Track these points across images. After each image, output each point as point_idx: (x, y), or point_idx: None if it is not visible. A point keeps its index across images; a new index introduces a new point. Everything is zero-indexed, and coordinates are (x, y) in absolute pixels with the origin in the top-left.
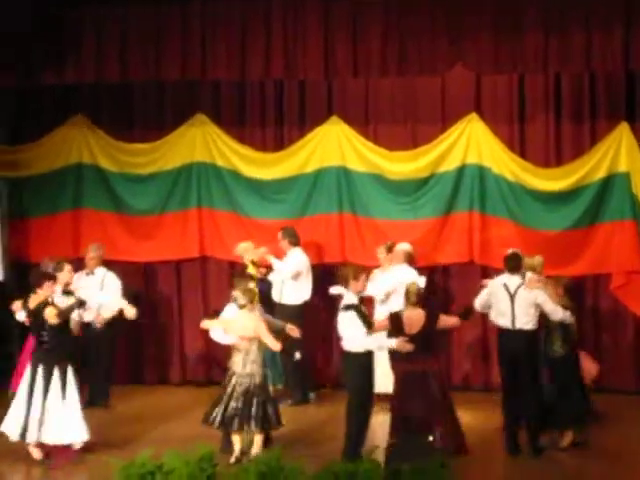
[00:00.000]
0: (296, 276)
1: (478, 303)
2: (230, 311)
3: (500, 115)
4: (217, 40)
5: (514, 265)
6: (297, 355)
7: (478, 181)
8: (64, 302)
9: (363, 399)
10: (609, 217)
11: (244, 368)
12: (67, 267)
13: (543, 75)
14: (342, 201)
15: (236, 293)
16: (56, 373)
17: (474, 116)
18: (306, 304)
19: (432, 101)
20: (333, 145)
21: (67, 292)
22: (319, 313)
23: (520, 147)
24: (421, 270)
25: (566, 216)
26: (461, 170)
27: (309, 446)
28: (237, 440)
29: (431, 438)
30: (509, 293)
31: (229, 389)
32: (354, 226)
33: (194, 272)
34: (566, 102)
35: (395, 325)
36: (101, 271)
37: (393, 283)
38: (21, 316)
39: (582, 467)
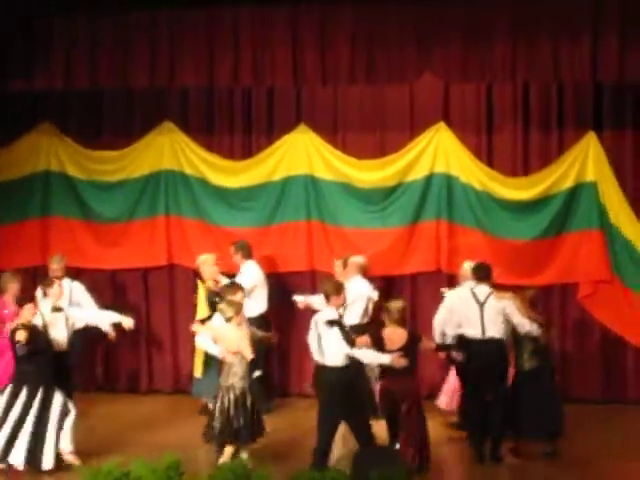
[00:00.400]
0: (251, 291)
1: (439, 321)
2: (218, 320)
3: (468, 124)
4: (185, 47)
5: (483, 275)
6: (257, 372)
7: (446, 190)
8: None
9: (335, 412)
10: (576, 226)
11: (226, 381)
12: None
13: (511, 84)
14: (310, 209)
15: (222, 306)
16: (39, 395)
17: (442, 125)
18: (263, 315)
19: (400, 109)
20: (301, 153)
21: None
22: (282, 322)
23: (488, 156)
24: (388, 279)
25: (533, 225)
26: (429, 179)
27: (275, 454)
28: (228, 451)
29: (397, 446)
30: (478, 302)
31: (218, 402)
32: (322, 234)
33: (161, 280)
34: (534, 111)
35: (376, 342)
36: (66, 282)
37: (348, 296)
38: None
39: (550, 477)
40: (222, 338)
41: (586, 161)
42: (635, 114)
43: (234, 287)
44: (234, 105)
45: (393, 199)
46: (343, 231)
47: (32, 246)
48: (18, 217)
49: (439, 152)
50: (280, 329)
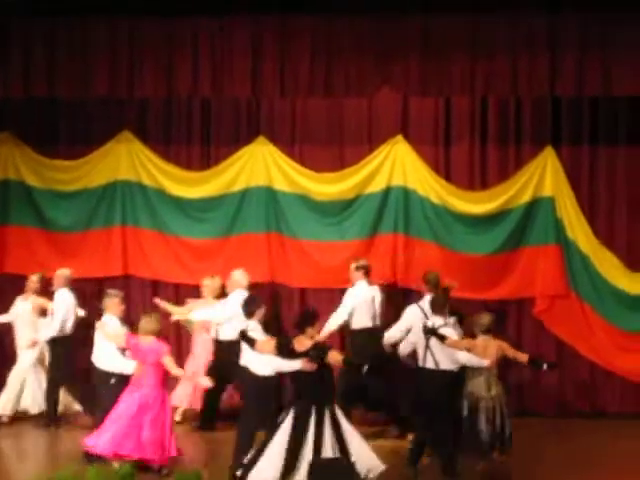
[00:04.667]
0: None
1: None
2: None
3: (426, 137)
4: (144, 57)
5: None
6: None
7: (403, 203)
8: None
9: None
10: (533, 241)
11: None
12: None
13: (469, 98)
14: (269, 221)
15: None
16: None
17: (400, 138)
18: None
19: (359, 122)
20: (259, 165)
21: None
22: None
23: (445, 170)
24: (344, 291)
25: (491, 239)
26: (386, 192)
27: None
28: None
29: (353, 459)
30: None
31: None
32: (280, 246)
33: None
34: (492, 125)
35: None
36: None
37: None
38: None
39: None
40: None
41: (544, 176)
42: (592, 129)
43: None
44: (193, 116)
45: (351, 212)
46: (301, 243)
47: None
48: None
49: (397, 165)
50: None
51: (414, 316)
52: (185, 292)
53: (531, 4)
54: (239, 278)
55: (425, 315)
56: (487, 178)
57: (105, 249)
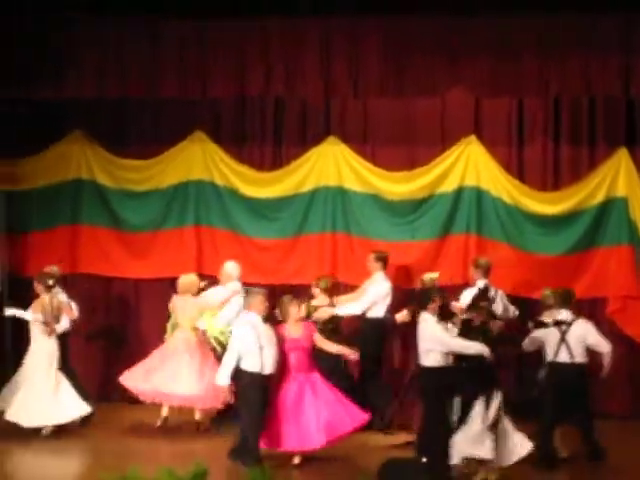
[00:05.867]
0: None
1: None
2: None
3: (499, 138)
4: (216, 58)
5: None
6: None
7: (475, 203)
8: None
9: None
10: (606, 242)
11: None
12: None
13: (542, 98)
14: (336, 221)
15: None
16: None
17: (473, 138)
18: None
19: (431, 122)
20: (330, 165)
21: None
22: None
23: (518, 170)
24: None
25: (563, 240)
26: (459, 192)
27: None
28: None
29: (424, 459)
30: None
31: None
32: (348, 246)
33: None
34: (565, 126)
35: None
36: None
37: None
38: None
39: None
40: None
41: (617, 177)
42: None
43: None
44: (265, 116)
45: (422, 212)
46: (370, 243)
47: (61, 254)
48: (48, 224)
49: (469, 165)
50: None
51: None
52: None
53: (604, 4)
54: (231, 270)
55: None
56: (560, 179)
57: (178, 249)
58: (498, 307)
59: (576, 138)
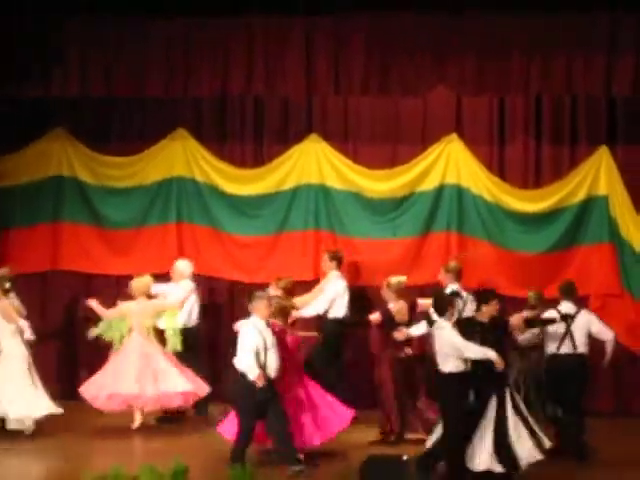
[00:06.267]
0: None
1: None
2: None
3: (480, 136)
4: (199, 57)
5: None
6: None
7: (456, 201)
8: None
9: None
10: (588, 240)
11: None
12: None
13: (524, 97)
14: (319, 219)
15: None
16: None
17: (454, 136)
18: None
19: (413, 121)
20: (312, 163)
21: None
22: None
23: (499, 168)
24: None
25: (544, 238)
26: (440, 190)
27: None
28: None
29: (405, 457)
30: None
31: None
32: (331, 244)
33: None
34: (546, 124)
35: None
36: None
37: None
38: None
39: None
40: None
41: (598, 175)
42: None
43: None
44: (246, 114)
45: (403, 210)
46: (352, 241)
47: (42, 251)
48: (29, 222)
49: (450, 163)
50: None
51: None
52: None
53: (588, 3)
54: (183, 268)
55: None
56: (541, 177)
57: (160, 246)
58: (468, 311)
59: (557, 136)
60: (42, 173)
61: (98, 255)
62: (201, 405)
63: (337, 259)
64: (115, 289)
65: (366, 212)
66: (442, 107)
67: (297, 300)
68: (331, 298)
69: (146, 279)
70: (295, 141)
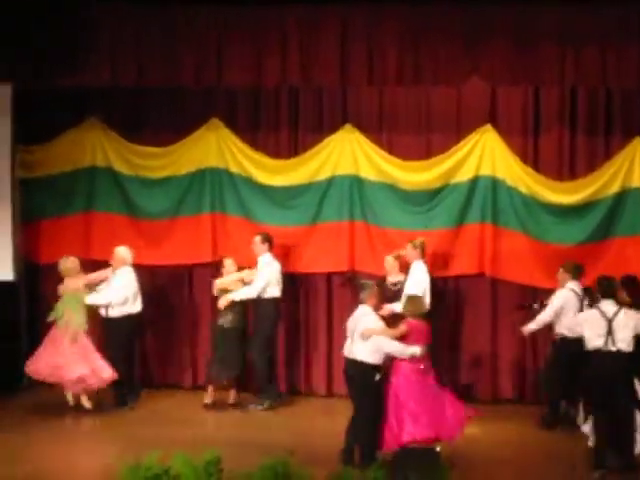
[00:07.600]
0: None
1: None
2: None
3: (514, 127)
4: (233, 46)
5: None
6: None
7: (491, 193)
8: None
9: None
10: (622, 232)
11: None
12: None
13: (559, 88)
14: (353, 209)
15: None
16: None
17: (489, 127)
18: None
19: (447, 111)
20: (346, 153)
21: None
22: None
23: (534, 160)
24: (431, 281)
25: (579, 230)
26: (474, 181)
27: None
28: None
29: (437, 448)
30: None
31: None
32: (365, 235)
33: (205, 276)
34: (581, 116)
35: None
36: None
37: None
38: None
39: None
40: None
41: (632, 167)
42: None
43: None
44: (281, 104)
45: (438, 201)
46: (386, 232)
47: (75, 240)
48: (63, 211)
49: (485, 155)
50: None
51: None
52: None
53: None
54: (124, 255)
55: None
56: (576, 168)
57: (194, 236)
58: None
59: (592, 128)
60: (76, 163)
61: (131, 245)
62: (120, 396)
63: (269, 241)
64: (149, 279)
65: (400, 203)
66: (476, 98)
67: (226, 281)
68: (266, 281)
69: (72, 259)
70: (330, 131)
